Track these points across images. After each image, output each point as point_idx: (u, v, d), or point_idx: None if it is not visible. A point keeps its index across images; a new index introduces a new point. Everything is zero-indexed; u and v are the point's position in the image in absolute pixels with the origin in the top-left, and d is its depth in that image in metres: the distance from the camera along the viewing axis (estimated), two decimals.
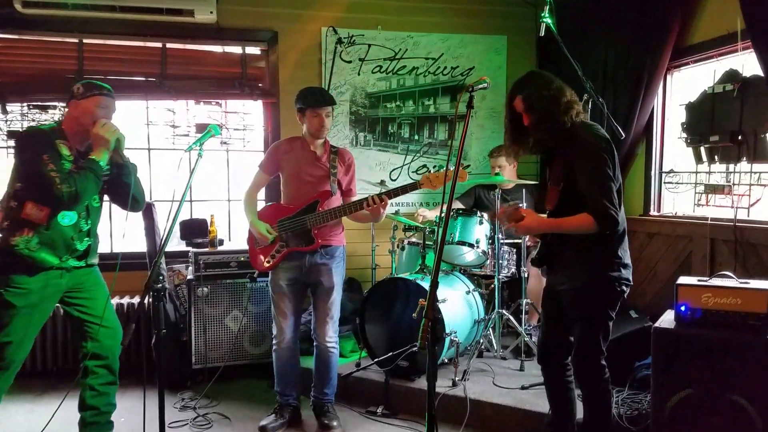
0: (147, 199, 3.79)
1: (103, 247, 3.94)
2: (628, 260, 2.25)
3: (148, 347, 3.60)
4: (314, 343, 2.92)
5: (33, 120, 3.61)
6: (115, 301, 3.72)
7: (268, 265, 2.82)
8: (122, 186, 2.46)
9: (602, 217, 2.07)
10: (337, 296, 2.88)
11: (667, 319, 2.35)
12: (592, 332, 2.21)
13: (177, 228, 3.78)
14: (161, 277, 1.84)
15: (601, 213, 2.07)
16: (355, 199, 2.97)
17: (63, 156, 2.36)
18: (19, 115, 3.59)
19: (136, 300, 3.77)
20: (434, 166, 4.45)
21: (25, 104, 3.61)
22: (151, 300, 2.01)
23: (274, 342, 2.89)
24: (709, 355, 2.16)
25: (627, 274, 2.23)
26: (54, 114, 3.64)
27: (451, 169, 2.67)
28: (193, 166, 2.14)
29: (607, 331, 2.25)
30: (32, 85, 3.62)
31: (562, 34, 3.14)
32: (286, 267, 2.82)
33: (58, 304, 2.53)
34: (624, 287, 2.23)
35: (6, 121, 3.56)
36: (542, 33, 3.22)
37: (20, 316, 2.35)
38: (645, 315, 3.24)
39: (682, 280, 2.35)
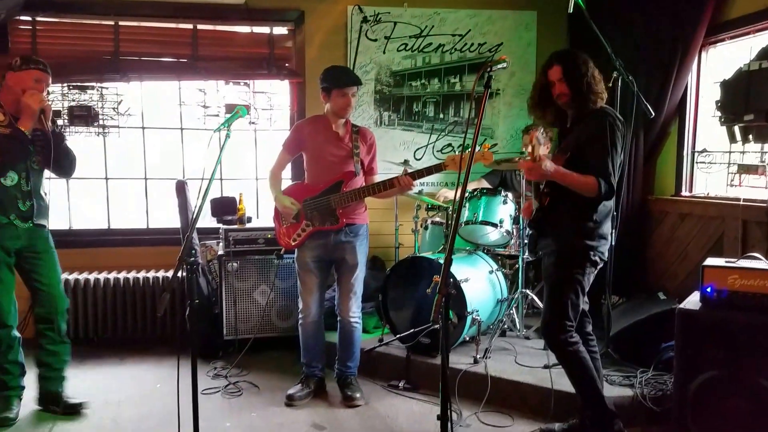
0: (180, 177, 3.96)
1: (140, 224, 4.16)
2: (608, 236, 2.38)
3: (182, 318, 3.77)
4: (338, 318, 3.01)
5: (73, 100, 3.76)
6: (150, 274, 3.90)
7: (294, 243, 2.90)
8: (48, 153, 2.60)
9: (606, 183, 2.21)
10: (360, 273, 2.95)
11: (693, 301, 2.33)
12: (560, 295, 2.32)
13: (209, 205, 3.90)
14: (194, 251, 1.93)
15: (607, 180, 2.22)
16: (376, 177, 3.02)
17: None
18: (59, 95, 3.74)
19: (170, 273, 3.93)
20: (459, 146, 4.43)
21: (65, 85, 3.76)
22: (184, 273, 2.12)
23: (300, 317, 2.99)
24: (734, 337, 2.14)
25: (604, 246, 2.35)
26: (92, 94, 3.79)
27: (476, 150, 2.69)
28: (222, 145, 2.21)
29: (576, 300, 2.33)
30: (72, 67, 3.77)
31: (592, 10, 3.06)
32: (312, 245, 2.89)
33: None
34: (598, 259, 2.34)
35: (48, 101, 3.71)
36: (571, 10, 3.15)
37: None
38: (674, 297, 3.21)
39: (709, 261, 2.32)
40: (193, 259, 2.00)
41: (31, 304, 2.81)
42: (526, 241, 3.44)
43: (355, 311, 2.96)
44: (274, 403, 2.97)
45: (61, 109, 3.72)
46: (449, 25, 4.30)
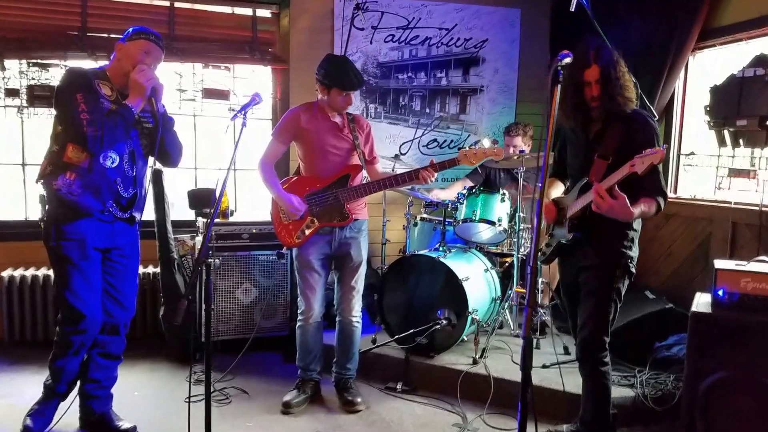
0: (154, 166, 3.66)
1: None
2: (638, 245, 2.35)
3: (155, 320, 3.50)
4: (337, 319, 2.87)
5: (33, 78, 3.37)
6: None
7: (299, 240, 2.71)
8: (155, 137, 2.34)
9: (664, 200, 2.16)
10: (363, 270, 2.83)
11: (703, 303, 2.35)
12: (605, 311, 2.26)
13: (185, 197, 3.64)
14: (210, 252, 1.75)
15: (664, 196, 2.16)
16: (379, 166, 2.91)
17: (103, 95, 2.27)
18: (17, 73, 3.35)
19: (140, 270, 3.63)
20: (444, 141, 4.38)
21: (24, 61, 3.36)
22: (200, 273, 1.93)
23: (300, 318, 2.82)
24: (746, 339, 2.18)
25: (636, 257, 2.32)
26: (55, 73, 3.41)
27: (487, 146, 2.62)
28: (238, 135, 2.03)
29: (615, 315, 2.30)
30: (32, 42, 3.36)
31: (582, 9, 3.08)
32: (316, 242, 2.73)
33: None
34: (634, 269, 2.31)
35: (3, 78, 3.32)
36: (573, 8, 3.15)
37: (79, 269, 2.28)
38: (661, 295, 3.28)
39: (720, 264, 2.34)
40: (210, 260, 1.81)
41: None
42: (519, 239, 3.39)
43: (357, 311, 2.83)
44: (269, 410, 2.79)
45: (19, 87, 3.33)
46: (436, 18, 4.22)
